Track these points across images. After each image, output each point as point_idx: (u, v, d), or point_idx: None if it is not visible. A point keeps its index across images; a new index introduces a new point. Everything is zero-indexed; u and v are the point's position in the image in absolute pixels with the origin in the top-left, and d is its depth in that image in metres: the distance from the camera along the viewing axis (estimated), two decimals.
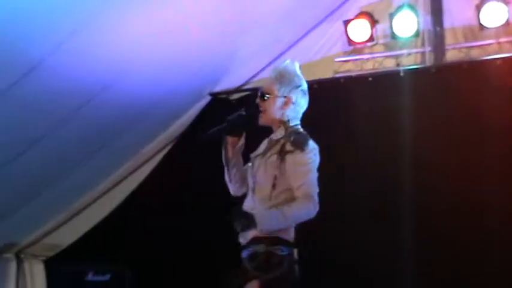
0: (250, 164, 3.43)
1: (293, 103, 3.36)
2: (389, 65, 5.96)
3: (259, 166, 3.31)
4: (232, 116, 3.36)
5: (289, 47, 6.10)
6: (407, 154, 5.47)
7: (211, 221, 5.88)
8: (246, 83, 6.27)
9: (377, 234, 5.42)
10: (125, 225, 6.10)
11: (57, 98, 4.90)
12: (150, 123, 5.81)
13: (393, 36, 5.83)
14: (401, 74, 5.72)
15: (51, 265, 6.31)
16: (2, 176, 5.39)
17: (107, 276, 5.87)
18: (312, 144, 3.25)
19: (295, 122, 3.38)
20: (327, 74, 5.99)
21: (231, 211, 3.20)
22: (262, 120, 3.38)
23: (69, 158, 5.74)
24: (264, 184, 3.25)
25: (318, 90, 5.83)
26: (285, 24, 5.78)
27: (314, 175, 3.20)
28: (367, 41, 5.92)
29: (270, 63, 6.03)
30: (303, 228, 3.27)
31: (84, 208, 6.56)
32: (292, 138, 3.25)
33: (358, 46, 6.00)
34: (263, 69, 6.11)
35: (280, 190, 3.21)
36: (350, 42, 5.95)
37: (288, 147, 3.23)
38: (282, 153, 3.22)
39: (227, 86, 6.22)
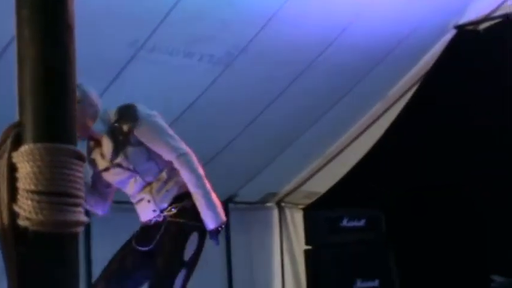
0: (111, 170, 3.30)
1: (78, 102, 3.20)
2: None
3: (124, 161, 3.24)
4: None
5: None
6: None
7: (465, 164, 5.62)
8: (497, 9, 5.73)
9: None
10: (376, 170, 6.01)
11: (296, 47, 4.93)
12: (393, 64, 5.61)
13: None
14: None
15: (309, 211, 6.45)
16: (255, 129, 5.60)
17: (362, 222, 5.85)
18: (140, 110, 3.21)
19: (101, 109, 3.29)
20: None
21: None
22: (85, 137, 3.28)
23: (316, 106, 5.79)
24: (142, 168, 3.23)
25: None
26: None
27: (165, 132, 3.23)
28: None
29: None
30: None
31: (337, 154, 6.59)
32: (121, 121, 3.21)
33: None
34: None
35: (154, 156, 3.23)
36: None
37: (126, 128, 3.20)
38: (126, 137, 3.20)
39: (474, 16, 5.75)
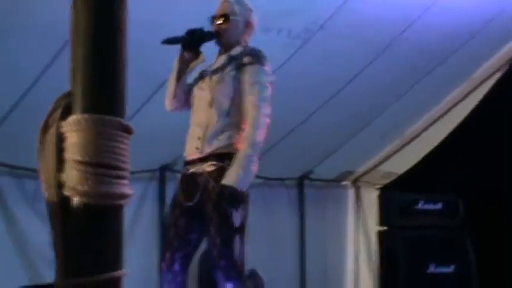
0: (202, 79, 3.38)
1: (252, 27, 3.40)
2: None
3: (218, 81, 3.31)
4: (193, 29, 3.29)
5: None
6: None
7: None
8: None
9: None
10: (457, 154, 5.84)
11: (377, 26, 4.83)
12: (478, 46, 5.40)
13: None
14: None
15: (384, 192, 6.35)
16: (333, 106, 5.54)
17: (438, 205, 5.71)
18: (266, 61, 3.29)
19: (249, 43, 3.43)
20: None
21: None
22: (224, 41, 3.37)
23: (396, 86, 5.67)
24: (223, 98, 3.27)
25: None
26: None
27: (268, 91, 3.25)
28: None
29: None
30: None
31: (417, 136, 6.45)
32: (252, 53, 3.31)
33: None
34: None
35: (238, 103, 3.25)
36: None
37: (247, 60, 3.28)
38: (241, 66, 3.28)
39: None
